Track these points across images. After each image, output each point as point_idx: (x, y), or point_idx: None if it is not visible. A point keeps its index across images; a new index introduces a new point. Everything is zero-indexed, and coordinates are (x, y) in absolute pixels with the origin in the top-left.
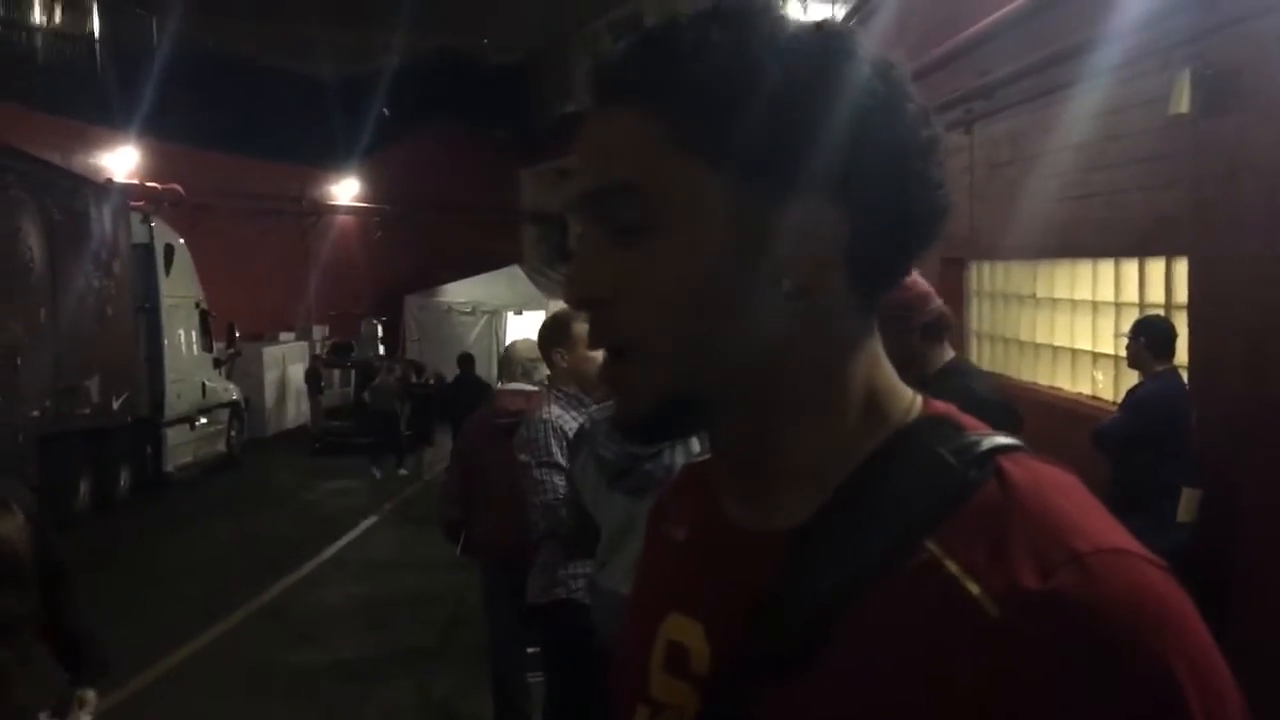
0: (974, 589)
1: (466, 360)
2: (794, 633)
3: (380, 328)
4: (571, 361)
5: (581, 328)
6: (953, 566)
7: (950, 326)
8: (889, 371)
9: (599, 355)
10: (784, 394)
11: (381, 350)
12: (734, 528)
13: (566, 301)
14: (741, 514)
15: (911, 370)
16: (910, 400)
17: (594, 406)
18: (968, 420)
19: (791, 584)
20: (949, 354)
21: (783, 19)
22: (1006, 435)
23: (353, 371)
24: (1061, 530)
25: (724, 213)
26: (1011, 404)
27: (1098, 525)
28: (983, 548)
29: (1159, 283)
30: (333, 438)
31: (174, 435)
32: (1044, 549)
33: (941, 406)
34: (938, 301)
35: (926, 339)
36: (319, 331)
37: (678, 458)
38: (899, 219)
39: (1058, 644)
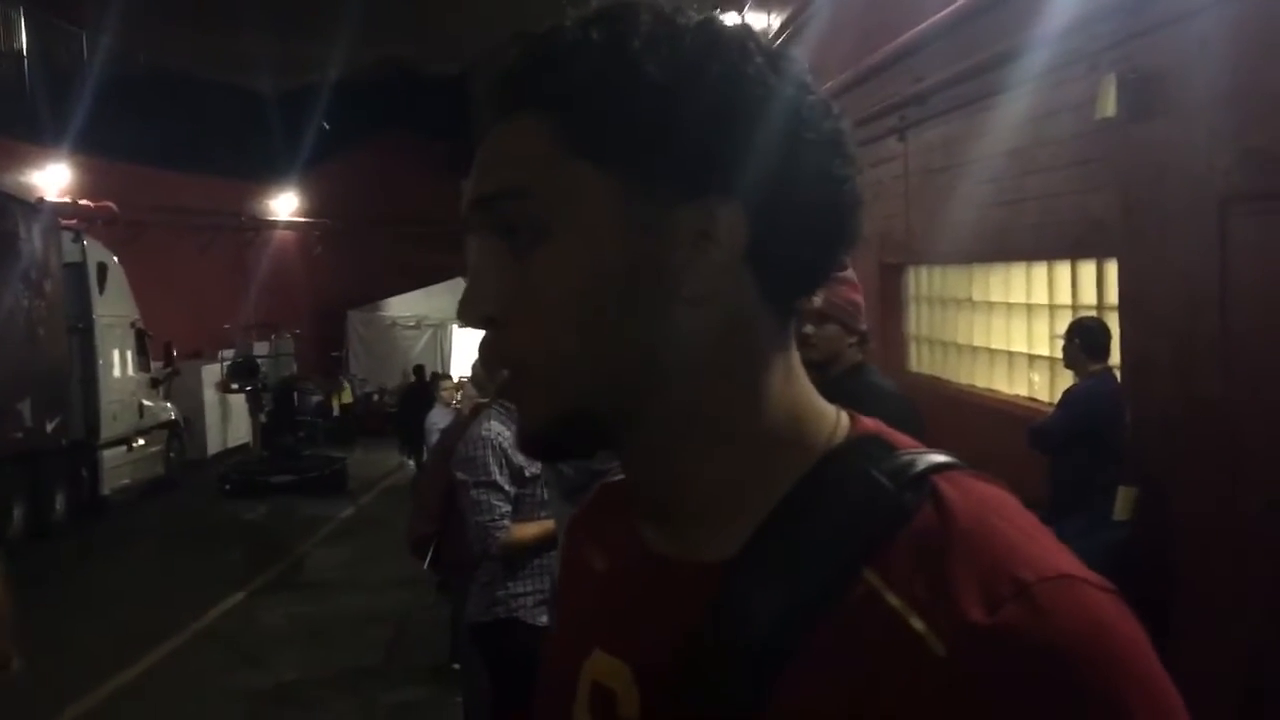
0: (919, 625)
1: (419, 371)
2: (734, 677)
3: (293, 342)
4: None
5: None
6: (893, 599)
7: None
8: (808, 387)
9: None
10: (694, 410)
11: (295, 368)
12: (657, 558)
13: (461, 322)
14: (663, 542)
15: (831, 366)
16: (835, 418)
17: None
18: (899, 438)
19: (727, 623)
20: (858, 356)
21: (667, 16)
22: (941, 452)
23: (251, 393)
24: (1004, 558)
25: (615, 218)
26: (911, 400)
27: (1040, 549)
28: (923, 579)
29: (1091, 285)
30: (240, 475)
31: (110, 457)
32: (988, 580)
33: (870, 424)
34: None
35: (856, 345)
36: (261, 348)
37: None
38: (802, 217)
39: (1009, 681)
